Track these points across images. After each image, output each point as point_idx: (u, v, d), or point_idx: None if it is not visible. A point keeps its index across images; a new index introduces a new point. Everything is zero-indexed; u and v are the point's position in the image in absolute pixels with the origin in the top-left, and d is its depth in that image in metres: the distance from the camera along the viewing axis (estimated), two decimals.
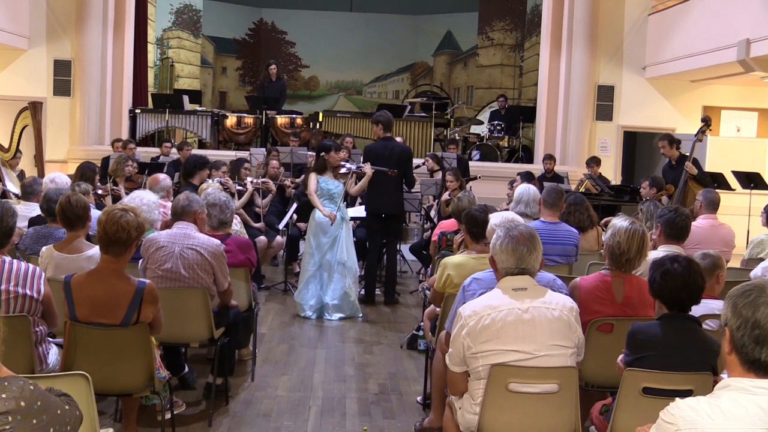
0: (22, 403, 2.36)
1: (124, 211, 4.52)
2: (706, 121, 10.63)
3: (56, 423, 2.46)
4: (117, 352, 4.49)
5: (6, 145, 11.01)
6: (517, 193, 7.00)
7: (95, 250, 5.09)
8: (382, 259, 10.09)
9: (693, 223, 7.56)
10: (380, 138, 9.61)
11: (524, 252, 3.92)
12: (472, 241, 5.57)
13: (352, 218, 9.58)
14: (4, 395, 2.33)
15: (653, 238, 5.75)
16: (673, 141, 10.53)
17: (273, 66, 16.75)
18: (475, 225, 5.50)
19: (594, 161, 13.01)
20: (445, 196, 10.11)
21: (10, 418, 2.32)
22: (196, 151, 12.98)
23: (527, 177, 10.68)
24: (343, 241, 8.79)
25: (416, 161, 13.17)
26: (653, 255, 5.34)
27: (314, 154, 9.71)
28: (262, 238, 9.97)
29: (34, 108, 11.30)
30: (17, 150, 11.15)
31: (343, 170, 8.92)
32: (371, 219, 9.65)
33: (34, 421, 2.37)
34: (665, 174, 10.65)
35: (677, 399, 2.53)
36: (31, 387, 2.42)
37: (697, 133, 10.55)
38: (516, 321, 3.78)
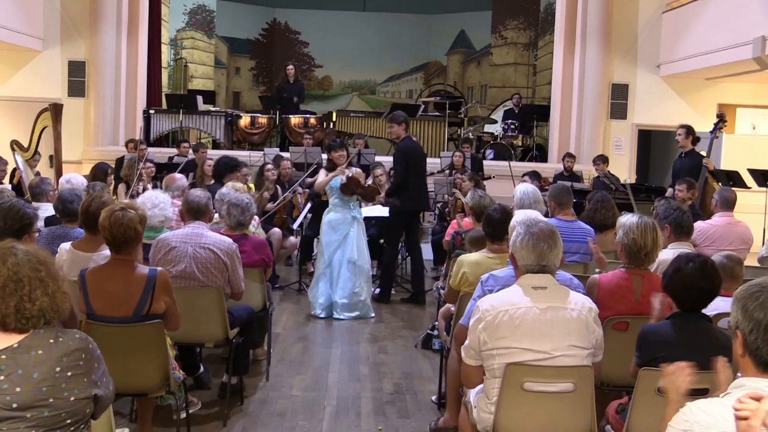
0: (90, 346, 2.81)
1: (123, 210, 4.57)
2: (721, 117, 10.55)
3: (104, 380, 2.88)
4: (132, 350, 4.51)
5: (25, 145, 11.05)
6: (516, 197, 6.72)
7: None
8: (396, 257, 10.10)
9: (709, 221, 7.60)
10: (406, 136, 9.51)
11: (545, 249, 3.91)
12: (489, 241, 5.56)
13: (366, 218, 9.57)
14: (77, 335, 2.80)
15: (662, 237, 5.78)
16: (690, 132, 10.40)
17: (291, 67, 16.78)
18: (490, 225, 5.48)
19: (600, 159, 12.82)
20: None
21: (83, 355, 2.76)
22: (211, 152, 13.05)
23: (534, 176, 10.65)
24: (353, 239, 8.76)
25: (446, 154, 13.26)
26: (663, 254, 5.38)
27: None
28: (276, 230, 9.94)
29: (55, 110, 11.31)
30: (35, 151, 11.18)
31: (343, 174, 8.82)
32: (399, 217, 9.52)
33: (96, 365, 2.82)
34: (675, 165, 10.63)
35: (687, 404, 2.50)
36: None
37: (714, 129, 10.49)
38: (534, 320, 3.77)
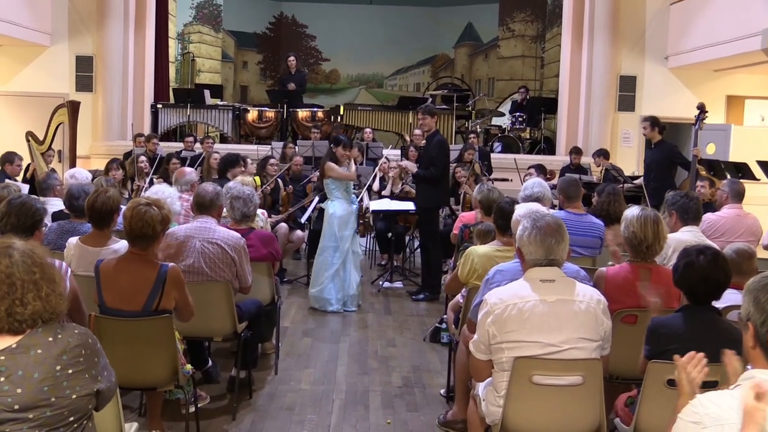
0: (90, 340, 2.77)
1: (148, 205, 4.58)
2: (702, 108, 10.50)
3: (105, 373, 2.83)
4: (141, 345, 4.51)
5: (41, 138, 11.07)
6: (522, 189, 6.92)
7: (120, 244, 5.11)
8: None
9: (718, 213, 7.59)
10: (435, 129, 9.56)
11: (552, 243, 3.89)
12: (499, 233, 5.55)
13: (374, 211, 9.65)
14: (76, 331, 2.75)
15: (669, 225, 5.83)
16: (656, 124, 10.43)
17: (292, 58, 16.70)
18: (502, 217, 5.47)
19: (597, 153, 12.62)
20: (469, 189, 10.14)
21: (83, 351, 2.71)
22: (218, 146, 13.12)
23: (539, 170, 10.64)
24: (354, 232, 9.00)
25: (454, 147, 13.23)
26: (675, 237, 5.44)
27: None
28: (283, 225, 9.98)
29: (72, 107, 11.30)
30: (49, 147, 11.20)
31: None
32: (436, 212, 9.79)
33: (96, 360, 2.77)
34: (646, 156, 10.75)
35: (698, 396, 2.49)
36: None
37: (697, 122, 10.46)
38: (542, 313, 3.76)
